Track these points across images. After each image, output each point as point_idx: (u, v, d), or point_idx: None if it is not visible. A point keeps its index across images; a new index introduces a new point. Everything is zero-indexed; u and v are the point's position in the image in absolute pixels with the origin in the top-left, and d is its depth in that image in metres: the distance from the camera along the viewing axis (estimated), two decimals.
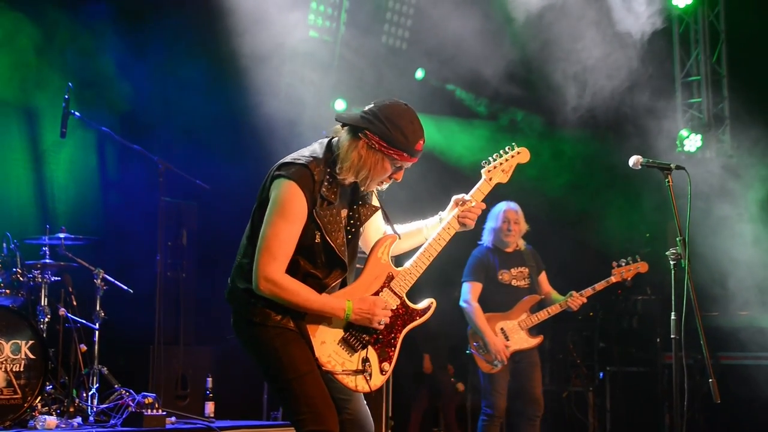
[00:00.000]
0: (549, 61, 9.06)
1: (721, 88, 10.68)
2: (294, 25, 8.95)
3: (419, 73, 10.12)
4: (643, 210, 9.47)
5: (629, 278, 7.12)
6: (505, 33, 9.22)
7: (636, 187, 9.22)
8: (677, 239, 5.00)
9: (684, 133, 10.29)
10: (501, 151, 4.36)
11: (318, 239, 3.91)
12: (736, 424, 8.48)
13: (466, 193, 4.27)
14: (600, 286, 7.06)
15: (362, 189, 4.03)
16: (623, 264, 7.06)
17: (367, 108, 3.96)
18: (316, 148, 4.01)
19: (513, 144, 4.39)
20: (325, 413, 3.86)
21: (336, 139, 4.02)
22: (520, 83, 9.52)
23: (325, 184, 3.91)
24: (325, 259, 3.96)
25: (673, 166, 5.10)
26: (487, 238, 7.34)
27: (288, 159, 3.94)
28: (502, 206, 7.30)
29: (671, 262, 5.10)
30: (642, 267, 7.09)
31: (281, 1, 8.64)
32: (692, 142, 10.28)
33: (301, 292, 3.85)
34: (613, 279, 7.05)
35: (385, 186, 4.08)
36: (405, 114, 3.94)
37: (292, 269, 3.88)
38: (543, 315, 7.14)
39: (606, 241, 9.48)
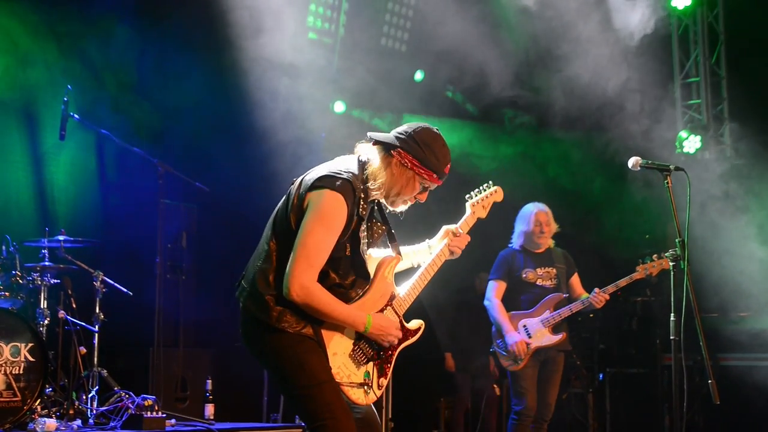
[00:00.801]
0: (548, 63, 9.07)
1: (720, 90, 10.69)
2: (293, 27, 8.96)
3: (418, 75, 10.12)
4: (643, 211, 9.47)
5: (654, 274, 7.02)
6: (504, 35, 9.22)
7: (636, 189, 9.22)
8: (677, 240, 5.01)
9: (683, 134, 10.29)
10: (481, 188, 4.63)
11: (348, 252, 4.03)
12: (736, 426, 8.48)
13: (455, 222, 4.50)
14: (623, 282, 6.99)
15: (389, 208, 4.19)
16: (647, 260, 7.01)
17: (400, 129, 4.12)
18: (350, 164, 4.09)
19: (489, 182, 4.64)
20: (344, 420, 3.93)
21: (365, 157, 4.12)
22: (520, 85, 9.53)
23: (361, 201, 4.03)
24: (352, 271, 4.08)
25: (672, 167, 5.11)
26: (516, 242, 7.33)
27: (326, 172, 4.00)
28: (532, 209, 7.29)
29: (671, 264, 5.11)
30: (666, 264, 6.91)
31: (280, 3, 8.64)
32: (691, 143, 10.28)
33: (331, 302, 3.93)
34: (636, 275, 6.98)
35: (406, 206, 4.21)
36: (438, 138, 4.13)
37: (321, 279, 3.94)
38: (566, 312, 7.08)
39: (605, 243, 9.47)
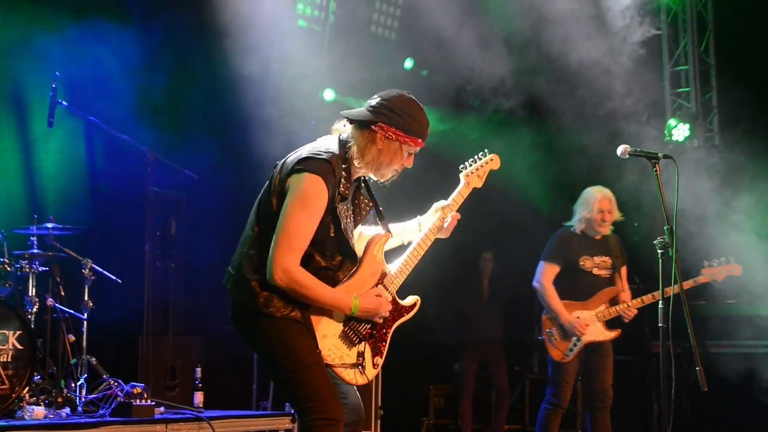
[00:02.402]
0: (537, 52, 9.05)
1: (709, 78, 10.71)
2: (282, 14, 8.92)
3: (408, 63, 10.11)
4: (631, 199, 9.47)
5: (720, 280, 6.87)
6: (494, 22, 9.21)
7: (624, 177, 9.22)
8: (665, 228, 5.02)
9: (672, 122, 10.30)
10: (476, 156, 4.60)
11: (332, 233, 4.03)
12: (724, 413, 8.51)
13: (446, 198, 4.50)
14: (687, 284, 6.72)
15: (379, 180, 4.20)
16: (715, 264, 6.86)
17: (374, 102, 4.10)
18: (330, 144, 4.10)
19: (485, 150, 4.62)
20: (331, 403, 3.95)
21: (345, 135, 4.12)
22: (509, 73, 9.51)
23: (342, 180, 4.02)
24: (337, 252, 4.07)
25: (660, 155, 5.13)
26: (577, 226, 7.06)
27: (306, 153, 4.00)
28: (596, 194, 7.03)
29: (659, 251, 5.12)
30: (735, 269, 6.87)
31: None
32: (680, 131, 10.29)
33: (315, 286, 3.94)
34: (701, 279, 6.84)
35: (395, 176, 4.22)
36: (413, 102, 4.14)
37: (306, 262, 3.95)
38: (623, 309, 6.91)
39: None
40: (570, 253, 7.03)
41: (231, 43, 8.52)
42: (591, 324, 6.92)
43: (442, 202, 4.47)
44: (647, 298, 6.85)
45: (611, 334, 6.98)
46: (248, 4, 8.49)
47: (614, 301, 7.00)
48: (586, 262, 7.01)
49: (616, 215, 7.06)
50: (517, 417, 10.13)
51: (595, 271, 7.03)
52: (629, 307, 6.90)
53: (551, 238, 7.19)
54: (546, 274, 7.03)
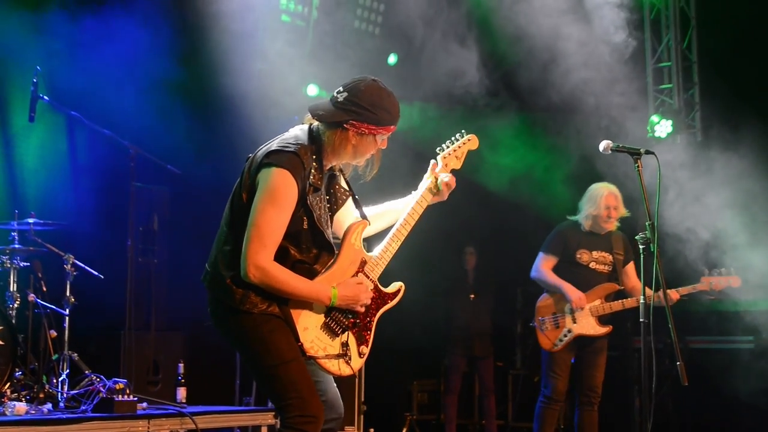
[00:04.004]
0: (520, 47, 9.05)
1: (691, 74, 10.74)
2: (266, 9, 8.90)
3: (392, 58, 10.10)
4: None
5: (718, 290, 6.86)
6: (477, 17, 9.22)
7: (607, 173, 9.25)
8: (647, 224, 5.04)
9: (655, 118, 10.33)
10: (453, 138, 4.52)
11: (306, 225, 3.98)
12: (705, 408, 8.56)
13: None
14: (685, 290, 6.78)
15: (357, 164, 4.16)
16: (715, 274, 6.84)
17: (341, 98, 4.03)
18: (300, 134, 4.05)
19: (463, 131, 4.54)
20: (310, 399, 3.93)
21: (316, 125, 4.08)
22: (492, 68, 9.52)
23: (313, 171, 3.98)
24: (313, 244, 4.02)
25: (642, 151, 5.14)
26: (584, 223, 7.07)
27: (275, 147, 3.96)
28: (602, 191, 7.06)
29: (641, 247, 5.15)
30: (734, 281, 6.84)
31: None
32: (663, 127, 10.32)
33: (290, 280, 3.90)
34: (699, 287, 6.81)
35: (374, 167, 4.20)
36: (382, 92, 4.07)
37: (282, 257, 3.92)
38: (617, 306, 6.89)
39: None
40: (567, 246, 7.07)
41: (214, 39, 8.49)
42: (584, 317, 6.92)
43: (424, 182, 4.40)
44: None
45: (603, 330, 6.98)
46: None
47: (610, 297, 6.99)
48: (583, 256, 7.03)
49: (622, 211, 7.09)
50: (500, 413, 10.16)
51: (593, 265, 7.04)
52: (624, 305, 6.91)
53: (552, 230, 7.24)
54: (543, 264, 7.09)
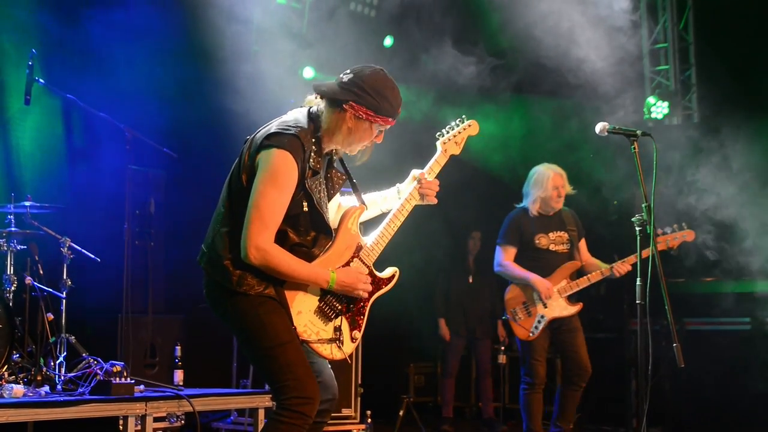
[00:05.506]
0: (519, 28, 9.03)
1: (688, 56, 10.73)
2: None
3: (388, 41, 10.07)
4: (611, 177, 9.50)
5: (675, 247, 6.89)
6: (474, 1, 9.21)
7: (604, 155, 9.25)
8: (643, 206, 5.04)
9: (651, 100, 10.32)
10: (453, 123, 4.53)
11: (306, 208, 3.98)
12: (701, 390, 8.57)
13: (423, 167, 4.44)
14: (645, 253, 6.73)
15: (348, 152, 4.15)
16: (668, 231, 6.87)
17: (346, 78, 4.03)
18: (299, 117, 4.05)
19: (463, 116, 4.55)
20: (306, 380, 3.93)
21: (315, 108, 4.08)
22: (490, 51, 9.49)
23: (312, 154, 3.98)
24: (312, 227, 4.03)
25: (639, 132, 5.14)
26: (532, 207, 7.08)
27: (275, 129, 3.95)
28: (547, 172, 7.07)
29: (637, 229, 5.15)
30: (688, 235, 6.87)
31: None
32: (659, 109, 10.31)
33: (290, 262, 3.91)
34: (658, 246, 6.73)
35: (365, 155, 4.19)
36: (387, 82, 4.06)
37: (281, 240, 3.92)
38: (584, 282, 6.92)
39: (572, 208, 9.54)
40: (524, 233, 7.07)
41: (209, 19, 8.46)
42: (554, 300, 6.94)
43: (418, 171, 4.41)
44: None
45: (574, 309, 6.99)
46: None
47: (574, 276, 7.01)
48: (542, 240, 7.05)
49: (568, 188, 7.12)
50: (496, 395, 10.18)
51: (552, 247, 7.06)
52: (589, 280, 6.94)
53: (504, 221, 7.22)
54: (504, 255, 7.09)
